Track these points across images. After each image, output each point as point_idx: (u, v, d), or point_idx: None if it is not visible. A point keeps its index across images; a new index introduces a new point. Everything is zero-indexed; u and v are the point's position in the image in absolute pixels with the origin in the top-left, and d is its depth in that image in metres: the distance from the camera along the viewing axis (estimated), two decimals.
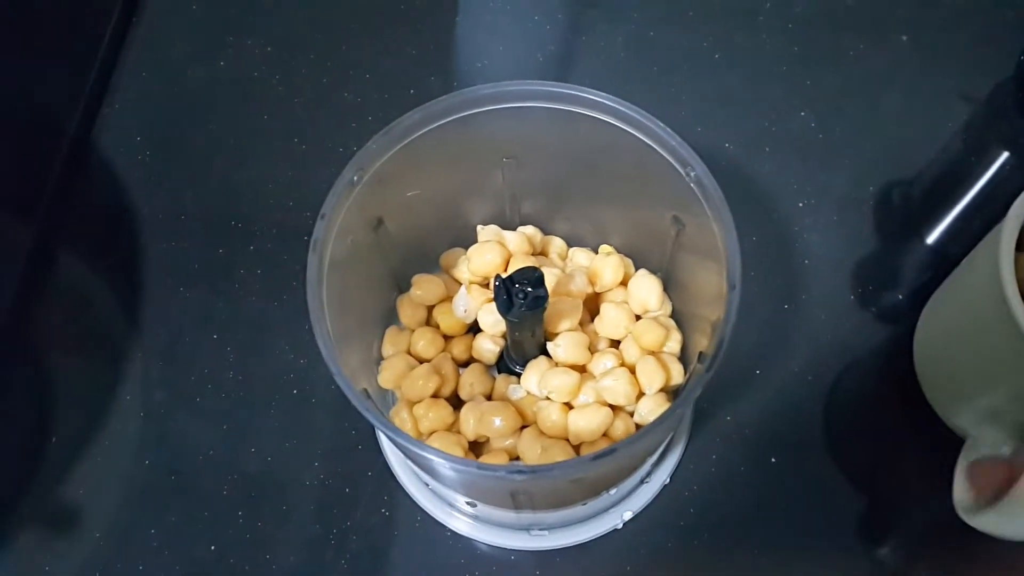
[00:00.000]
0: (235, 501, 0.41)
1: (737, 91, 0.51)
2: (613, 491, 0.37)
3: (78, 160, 0.51)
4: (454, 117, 0.33)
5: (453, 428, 0.36)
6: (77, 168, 0.50)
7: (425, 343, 0.38)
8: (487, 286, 0.40)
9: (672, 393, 0.36)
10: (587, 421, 0.33)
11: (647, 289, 0.37)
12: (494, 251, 0.37)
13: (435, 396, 0.36)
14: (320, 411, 0.43)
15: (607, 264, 0.38)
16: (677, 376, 0.35)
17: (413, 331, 0.39)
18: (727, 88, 0.52)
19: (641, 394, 0.34)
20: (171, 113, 0.53)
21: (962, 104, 0.50)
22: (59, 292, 0.47)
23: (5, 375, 0.45)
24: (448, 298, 0.39)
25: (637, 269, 0.39)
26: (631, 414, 0.35)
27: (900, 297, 0.45)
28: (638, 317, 0.38)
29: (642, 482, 0.40)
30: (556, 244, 0.41)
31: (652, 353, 0.36)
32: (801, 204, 0.47)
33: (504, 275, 0.33)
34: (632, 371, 0.35)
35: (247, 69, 0.53)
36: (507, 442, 0.35)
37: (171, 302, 0.46)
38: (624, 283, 0.38)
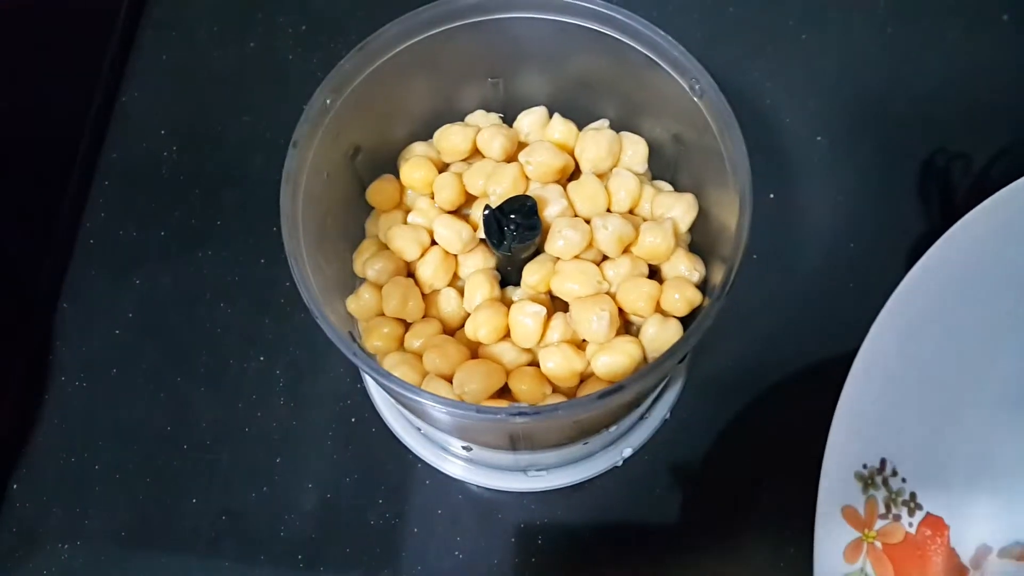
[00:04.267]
0: None
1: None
2: (613, 428, 0.36)
3: (93, 165, 0.45)
4: (435, 31, 0.30)
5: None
6: (92, 175, 0.45)
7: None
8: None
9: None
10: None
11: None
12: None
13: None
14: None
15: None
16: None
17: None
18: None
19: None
20: (197, 102, 0.47)
21: None
22: (85, 311, 0.43)
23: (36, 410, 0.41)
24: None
25: None
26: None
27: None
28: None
29: (641, 418, 0.39)
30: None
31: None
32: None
33: (494, 206, 0.31)
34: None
35: (280, 50, 0.47)
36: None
37: (210, 319, 0.42)
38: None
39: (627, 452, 0.38)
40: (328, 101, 0.29)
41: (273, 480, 0.39)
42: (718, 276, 0.31)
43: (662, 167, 0.35)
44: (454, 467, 0.38)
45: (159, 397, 0.41)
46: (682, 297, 0.31)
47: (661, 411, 0.39)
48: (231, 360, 0.41)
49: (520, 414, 0.26)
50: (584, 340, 0.31)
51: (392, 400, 0.39)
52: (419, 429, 0.38)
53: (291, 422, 0.40)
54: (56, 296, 0.43)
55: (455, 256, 0.33)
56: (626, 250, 0.32)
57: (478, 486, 0.38)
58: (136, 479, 0.39)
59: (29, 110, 0.44)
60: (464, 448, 0.35)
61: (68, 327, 0.42)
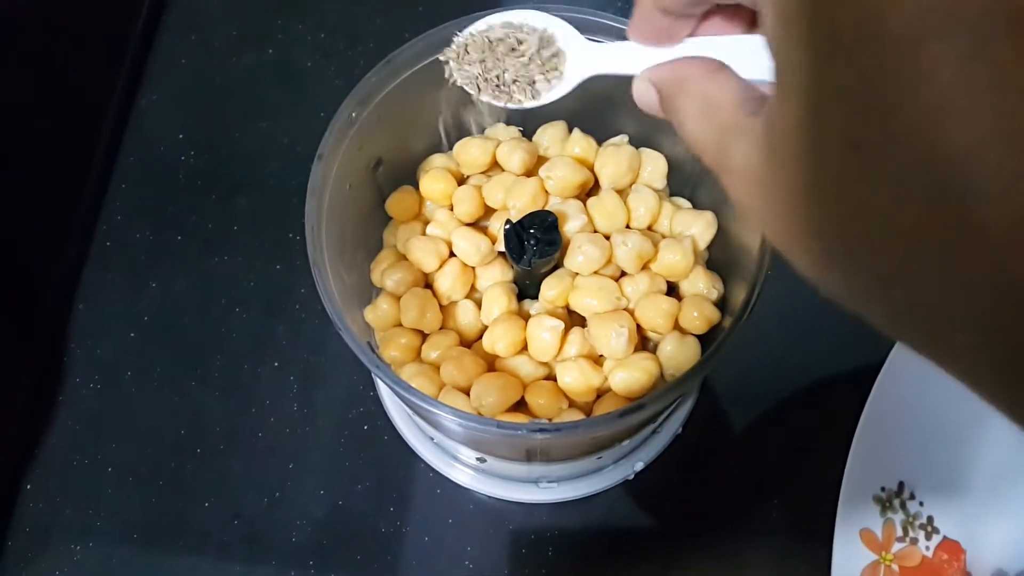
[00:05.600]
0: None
1: None
2: (626, 443, 0.36)
3: (110, 169, 0.45)
4: None
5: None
6: (109, 179, 0.45)
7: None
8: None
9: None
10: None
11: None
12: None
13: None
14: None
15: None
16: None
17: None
18: None
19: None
20: (215, 107, 0.47)
21: None
22: (99, 314, 0.43)
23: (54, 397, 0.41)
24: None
25: None
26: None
27: None
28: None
29: (654, 432, 0.39)
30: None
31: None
32: None
33: (515, 220, 0.31)
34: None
35: (298, 58, 0.47)
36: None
37: (224, 324, 0.42)
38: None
39: (639, 466, 0.38)
40: (353, 114, 0.29)
41: (285, 486, 0.39)
42: (736, 294, 0.31)
43: (681, 184, 0.35)
44: (465, 476, 0.39)
45: (172, 401, 0.41)
46: (700, 315, 0.31)
47: (674, 425, 0.39)
48: (245, 365, 0.41)
49: (541, 431, 0.26)
50: (601, 356, 0.31)
51: (405, 409, 0.39)
52: (431, 438, 0.38)
53: (304, 428, 0.40)
54: (71, 298, 0.43)
55: (473, 268, 0.34)
56: (645, 267, 0.32)
57: (489, 496, 0.39)
58: (148, 482, 0.40)
59: (47, 113, 0.44)
60: (478, 459, 0.35)
61: (83, 329, 0.43)
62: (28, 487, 0.40)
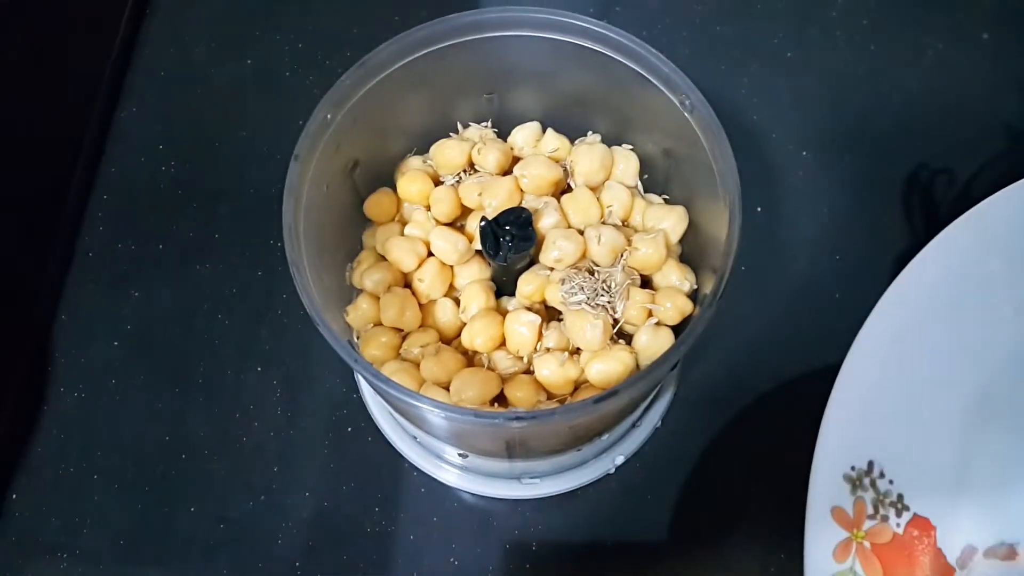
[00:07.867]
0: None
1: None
2: (606, 436, 0.36)
3: (92, 180, 0.46)
4: (432, 49, 0.31)
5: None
6: (91, 189, 0.45)
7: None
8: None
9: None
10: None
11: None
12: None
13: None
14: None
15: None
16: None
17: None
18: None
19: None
20: (195, 118, 0.47)
21: None
22: (83, 323, 0.43)
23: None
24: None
25: None
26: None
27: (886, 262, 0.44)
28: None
29: (633, 426, 0.39)
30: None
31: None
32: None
33: (490, 217, 0.32)
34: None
35: (277, 67, 0.48)
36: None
37: (207, 331, 0.42)
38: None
39: (619, 460, 0.39)
40: (328, 116, 0.30)
41: (270, 489, 0.40)
42: (708, 286, 0.32)
43: (653, 180, 0.36)
44: (449, 475, 0.39)
45: (157, 408, 0.41)
46: (674, 306, 0.32)
47: (653, 419, 0.40)
48: (228, 371, 0.42)
49: (517, 418, 0.26)
50: (578, 348, 0.32)
51: (388, 409, 0.39)
52: (415, 438, 0.39)
53: (288, 432, 0.41)
54: (55, 308, 0.43)
55: (451, 267, 0.34)
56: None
57: (473, 494, 0.39)
58: (134, 489, 0.40)
59: (28, 124, 0.44)
60: (460, 455, 0.35)
61: (67, 339, 0.43)
62: (14, 496, 0.40)
